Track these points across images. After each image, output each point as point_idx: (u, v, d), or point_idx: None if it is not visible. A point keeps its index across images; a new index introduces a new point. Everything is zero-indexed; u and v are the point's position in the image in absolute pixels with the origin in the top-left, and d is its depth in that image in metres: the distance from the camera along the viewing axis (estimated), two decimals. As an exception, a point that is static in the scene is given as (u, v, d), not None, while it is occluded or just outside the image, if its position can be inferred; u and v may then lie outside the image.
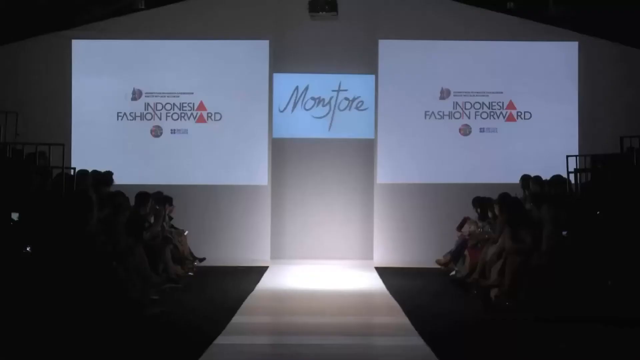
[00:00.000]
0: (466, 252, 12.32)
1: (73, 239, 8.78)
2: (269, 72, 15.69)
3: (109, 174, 12.16)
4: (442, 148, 15.87)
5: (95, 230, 9.20)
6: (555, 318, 8.63)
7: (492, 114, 15.94)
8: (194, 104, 15.81)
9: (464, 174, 15.73)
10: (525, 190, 12.90)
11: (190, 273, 12.57)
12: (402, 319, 8.99)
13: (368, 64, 15.79)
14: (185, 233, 13.25)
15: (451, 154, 15.86)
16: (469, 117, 15.89)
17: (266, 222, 15.67)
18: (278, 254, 15.98)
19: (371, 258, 15.76)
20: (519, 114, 15.89)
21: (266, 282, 12.24)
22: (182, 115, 15.77)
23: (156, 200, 12.28)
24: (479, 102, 15.92)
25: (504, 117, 15.91)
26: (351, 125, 15.92)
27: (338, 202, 15.72)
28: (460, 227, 13.09)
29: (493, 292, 9.98)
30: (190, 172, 15.72)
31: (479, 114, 15.92)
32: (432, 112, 15.88)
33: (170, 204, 13.15)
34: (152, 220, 11.87)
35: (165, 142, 15.73)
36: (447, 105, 15.93)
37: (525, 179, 13.12)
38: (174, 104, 15.80)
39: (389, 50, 15.80)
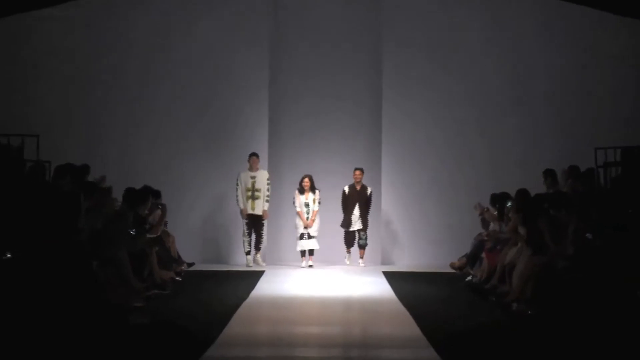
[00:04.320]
0: (483, 255, 12.28)
1: (57, 241, 8.83)
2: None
3: (85, 166, 12.25)
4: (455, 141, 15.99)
5: (83, 232, 9.25)
6: (579, 330, 8.64)
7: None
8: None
9: (480, 167, 15.80)
10: (548, 186, 12.92)
11: (178, 278, 12.56)
12: (413, 329, 8.97)
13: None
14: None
15: (467, 146, 15.96)
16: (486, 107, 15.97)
17: (265, 225, 15.59)
18: (275, 257, 16.02)
19: (378, 262, 15.79)
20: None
21: (262, 288, 12.21)
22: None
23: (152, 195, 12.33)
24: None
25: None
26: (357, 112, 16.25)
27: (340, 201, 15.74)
28: (482, 218, 13.10)
29: (513, 299, 10.00)
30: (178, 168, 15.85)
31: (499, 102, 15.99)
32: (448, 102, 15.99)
33: (160, 197, 13.17)
34: (149, 218, 11.96)
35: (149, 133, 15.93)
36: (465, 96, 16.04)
37: (551, 173, 13.12)
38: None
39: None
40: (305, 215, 15.28)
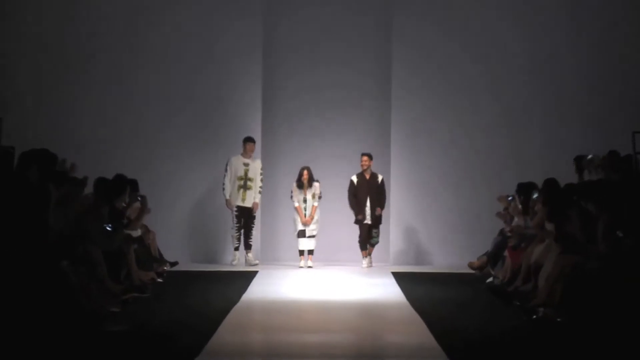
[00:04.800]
0: (506, 254, 12.27)
1: (23, 238, 8.76)
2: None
3: (53, 155, 12.10)
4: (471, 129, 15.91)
5: (52, 228, 9.18)
6: (614, 341, 8.54)
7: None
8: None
9: (501, 154, 15.74)
10: (580, 175, 12.84)
11: (159, 279, 12.55)
12: (426, 337, 8.91)
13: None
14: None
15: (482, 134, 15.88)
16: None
17: (256, 218, 15.59)
18: (270, 256, 15.95)
19: (387, 261, 15.77)
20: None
21: (255, 291, 12.19)
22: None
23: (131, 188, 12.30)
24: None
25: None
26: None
27: (345, 193, 15.64)
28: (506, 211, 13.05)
29: (539, 304, 9.89)
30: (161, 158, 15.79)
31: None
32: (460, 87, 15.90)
33: (137, 189, 13.08)
34: (126, 212, 11.93)
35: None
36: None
37: (583, 160, 13.03)
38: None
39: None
40: (303, 211, 15.17)
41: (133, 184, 12.83)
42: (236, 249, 15.33)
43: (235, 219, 15.31)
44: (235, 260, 15.29)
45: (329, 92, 16.27)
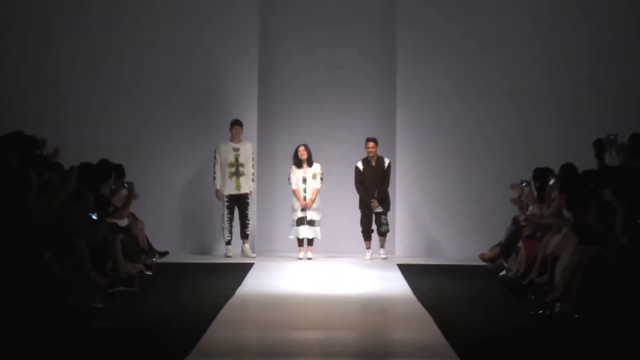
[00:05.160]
0: (520, 244, 12.28)
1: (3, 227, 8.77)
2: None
3: (34, 138, 12.13)
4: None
5: (34, 216, 9.20)
6: (633, 336, 8.57)
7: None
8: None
9: (514, 138, 15.76)
10: (600, 160, 12.84)
11: (147, 272, 12.56)
12: (434, 335, 8.93)
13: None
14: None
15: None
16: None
17: (251, 206, 15.62)
18: (266, 247, 15.96)
19: (392, 252, 15.79)
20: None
21: (251, 285, 12.20)
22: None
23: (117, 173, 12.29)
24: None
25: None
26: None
27: (349, 180, 15.66)
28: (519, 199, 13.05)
29: (556, 298, 9.91)
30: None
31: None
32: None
33: (124, 176, 13.09)
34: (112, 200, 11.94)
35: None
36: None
37: (604, 140, 13.04)
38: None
39: None
40: (303, 194, 15.15)
41: (119, 170, 12.83)
42: (228, 242, 15.31)
43: (226, 210, 15.28)
44: (230, 253, 15.29)
45: (329, 74, 16.24)
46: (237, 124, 15.31)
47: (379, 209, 15.22)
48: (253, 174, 15.39)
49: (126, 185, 12.54)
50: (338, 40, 16.25)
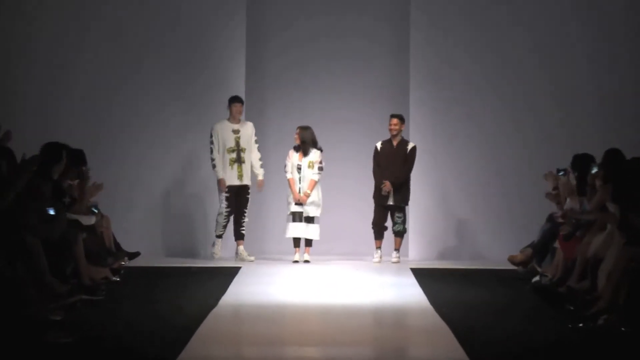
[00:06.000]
0: (557, 245, 12.29)
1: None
2: None
3: None
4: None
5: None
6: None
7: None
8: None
9: (548, 122, 15.82)
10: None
11: (115, 278, 12.58)
12: (455, 351, 8.88)
13: None
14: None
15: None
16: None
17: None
18: (256, 247, 15.98)
19: (405, 254, 15.86)
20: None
21: (237, 292, 12.22)
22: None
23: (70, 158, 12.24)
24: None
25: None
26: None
27: (353, 169, 15.61)
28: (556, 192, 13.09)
29: (600, 309, 9.87)
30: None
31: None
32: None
33: (84, 163, 13.03)
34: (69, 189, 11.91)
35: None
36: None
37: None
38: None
39: None
40: (297, 185, 15.11)
41: (77, 156, 12.74)
42: (219, 236, 15.27)
43: (224, 202, 15.21)
44: (217, 251, 15.24)
45: (331, 42, 16.32)
46: (237, 100, 15.27)
47: (390, 201, 15.17)
48: (260, 159, 15.34)
49: (83, 169, 12.46)
50: (341, 3, 16.24)
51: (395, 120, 15.31)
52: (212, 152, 15.20)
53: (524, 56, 15.95)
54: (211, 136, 15.20)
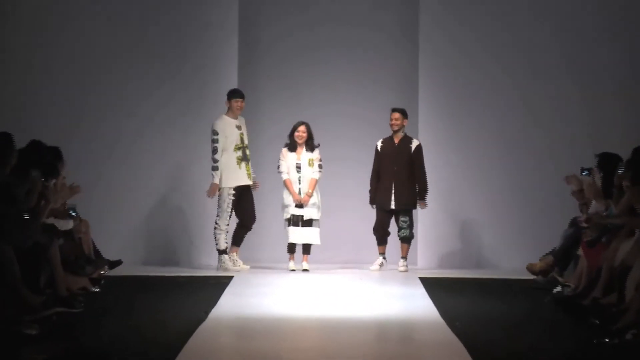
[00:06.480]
0: (580, 252, 12.29)
1: None
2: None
3: None
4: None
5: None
6: None
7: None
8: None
9: (574, 117, 15.86)
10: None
11: (94, 288, 12.59)
12: (469, 371, 8.92)
13: None
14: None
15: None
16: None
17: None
18: (249, 255, 15.97)
19: (414, 262, 15.90)
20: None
21: (229, 305, 12.23)
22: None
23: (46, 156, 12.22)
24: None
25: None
26: None
27: (355, 169, 15.61)
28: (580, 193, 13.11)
29: (628, 323, 9.85)
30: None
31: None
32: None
33: (61, 162, 13.00)
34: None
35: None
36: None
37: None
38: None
39: None
40: (297, 186, 15.09)
41: (53, 154, 12.71)
42: (224, 251, 15.19)
43: (229, 207, 15.14)
44: (230, 265, 15.14)
45: (331, 31, 16.27)
46: (238, 95, 15.25)
47: (392, 205, 15.17)
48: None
49: (54, 165, 12.43)
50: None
51: (396, 115, 15.30)
52: (216, 152, 15.12)
53: (545, 45, 15.97)
54: (215, 134, 15.12)
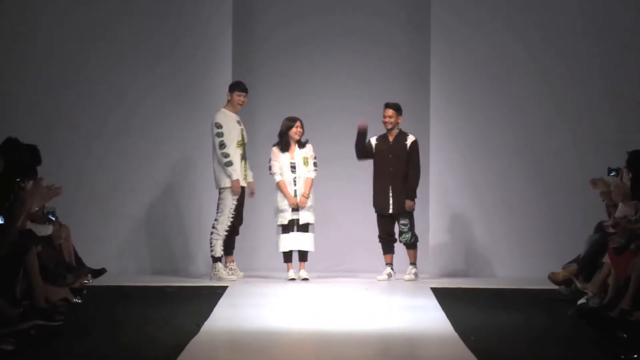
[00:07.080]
0: (606, 260, 12.29)
1: None
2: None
3: None
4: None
5: None
6: None
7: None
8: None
9: (600, 113, 15.97)
10: None
11: (76, 299, 12.62)
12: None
13: None
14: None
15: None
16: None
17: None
18: (244, 263, 16.02)
19: (425, 271, 15.97)
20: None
21: (223, 317, 12.27)
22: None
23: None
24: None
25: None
26: None
27: (357, 169, 15.74)
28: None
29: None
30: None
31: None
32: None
33: (39, 161, 13.08)
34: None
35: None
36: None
37: None
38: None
39: None
40: (292, 188, 15.16)
41: (31, 152, 12.77)
42: (219, 259, 15.25)
43: (231, 210, 15.21)
44: (224, 274, 15.19)
45: (331, 19, 16.30)
46: (241, 89, 15.32)
47: (390, 210, 15.25)
48: None
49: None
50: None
51: (390, 112, 15.37)
52: (223, 146, 15.12)
53: (572, 39, 16.01)
54: (218, 127, 15.13)
